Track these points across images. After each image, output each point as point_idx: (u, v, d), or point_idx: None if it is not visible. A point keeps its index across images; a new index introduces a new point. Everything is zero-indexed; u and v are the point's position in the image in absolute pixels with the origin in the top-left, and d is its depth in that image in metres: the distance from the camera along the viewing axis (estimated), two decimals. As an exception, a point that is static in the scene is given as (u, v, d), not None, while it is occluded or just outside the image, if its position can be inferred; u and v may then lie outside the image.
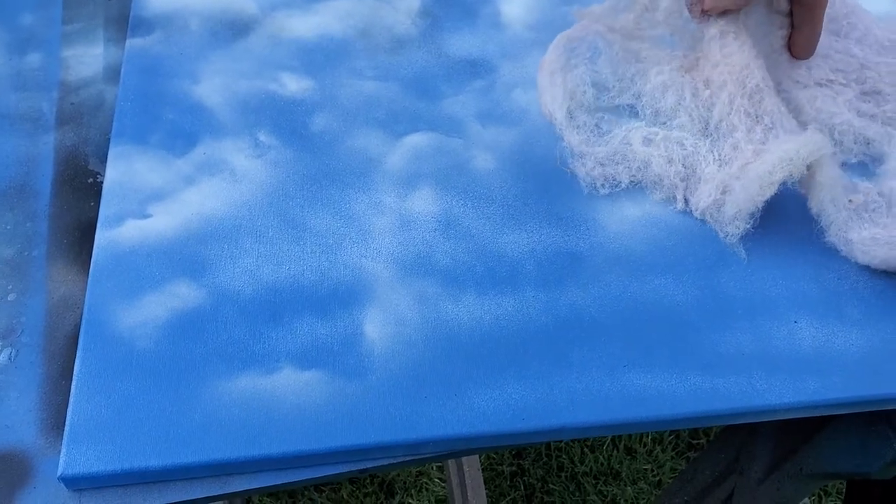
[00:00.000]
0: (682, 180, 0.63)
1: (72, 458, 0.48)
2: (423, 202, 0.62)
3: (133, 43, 0.71)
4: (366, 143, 0.66)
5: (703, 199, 0.61)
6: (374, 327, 0.55)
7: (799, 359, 0.55)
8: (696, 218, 0.62)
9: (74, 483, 0.48)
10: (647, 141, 0.64)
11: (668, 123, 0.65)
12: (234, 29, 0.73)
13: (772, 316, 0.57)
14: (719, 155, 0.62)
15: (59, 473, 0.48)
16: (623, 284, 0.59)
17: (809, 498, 1.44)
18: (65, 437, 0.49)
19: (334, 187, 0.63)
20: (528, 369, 0.54)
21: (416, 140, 0.66)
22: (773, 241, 0.62)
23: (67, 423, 0.49)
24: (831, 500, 1.44)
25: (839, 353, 0.56)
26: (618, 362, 0.54)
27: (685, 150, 0.63)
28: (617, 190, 0.64)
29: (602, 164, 0.64)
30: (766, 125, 0.60)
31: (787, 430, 0.73)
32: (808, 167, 0.58)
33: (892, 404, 0.55)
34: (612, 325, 0.56)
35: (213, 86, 0.68)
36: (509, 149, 0.67)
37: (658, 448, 1.48)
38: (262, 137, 0.65)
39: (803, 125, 0.63)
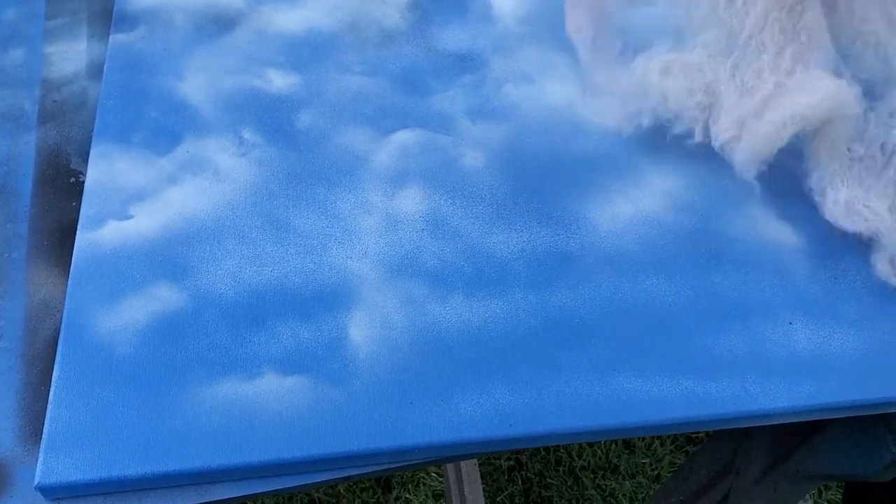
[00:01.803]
0: (702, 111, 0.61)
1: (49, 466, 0.47)
2: (411, 201, 0.61)
3: (116, 39, 0.70)
4: (353, 140, 0.65)
5: (721, 132, 0.60)
6: (360, 331, 0.54)
7: (794, 362, 0.54)
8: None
9: (52, 492, 0.47)
10: (666, 71, 0.61)
11: (693, 41, 0.61)
12: (220, 23, 0.72)
13: (766, 317, 0.56)
14: (742, 81, 0.59)
15: (35, 483, 0.47)
16: (614, 285, 0.57)
17: (809, 493, 1.43)
18: (42, 446, 0.48)
19: (320, 186, 0.62)
20: (517, 373, 0.53)
21: (404, 137, 0.65)
22: (768, 239, 0.60)
23: (45, 430, 0.48)
24: (831, 493, 1.43)
25: (835, 356, 0.55)
26: (608, 366, 0.53)
27: (706, 77, 0.60)
28: (640, 131, 0.63)
29: (624, 103, 0.62)
30: (801, 43, 0.57)
31: (784, 431, 0.71)
32: (821, 122, 0.56)
33: (889, 408, 0.54)
34: (602, 328, 0.55)
35: (197, 82, 0.67)
36: (499, 146, 0.65)
37: (657, 442, 1.47)
38: (247, 135, 0.64)
39: (834, 31, 0.59)
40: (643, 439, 1.47)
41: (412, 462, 0.51)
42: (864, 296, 0.58)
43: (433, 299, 0.56)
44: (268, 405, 0.50)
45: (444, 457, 0.51)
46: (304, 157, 0.63)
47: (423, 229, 0.59)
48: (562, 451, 1.45)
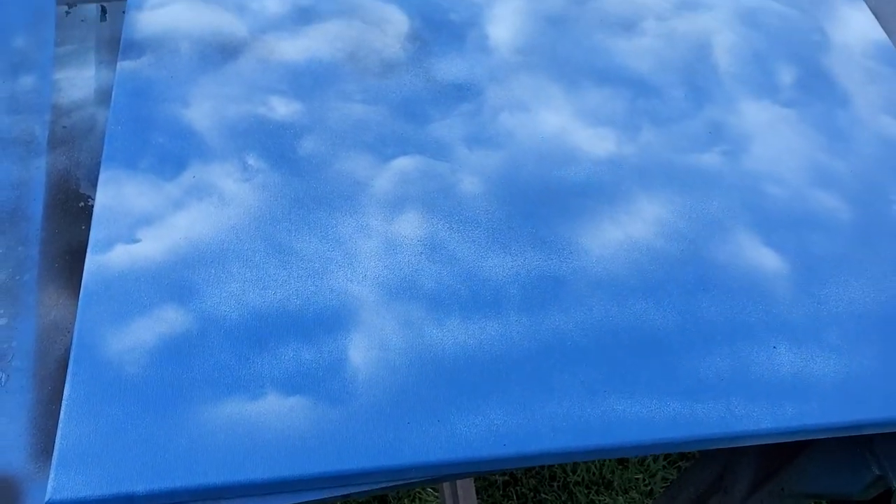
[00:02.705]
0: None
1: (60, 482, 0.49)
2: (410, 225, 0.63)
3: (124, 66, 0.72)
4: (353, 166, 0.67)
5: None
6: (359, 352, 0.56)
7: (778, 384, 0.56)
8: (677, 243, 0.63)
9: (62, 508, 0.49)
10: None
11: None
12: (225, 52, 0.74)
13: (751, 341, 0.58)
14: None
15: (46, 499, 0.48)
16: (605, 309, 0.59)
17: None
18: (53, 462, 0.50)
19: (322, 211, 0.64)
20: (511, 395, 0.54)
21: (404, 163, 0.67)
22: (753, 266, 0.63)
23: (56, 448, 0.50)
24: None
25: (818, 379, 0.57)
26: (599, 387, 0.55)
27: None
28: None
29: None
30: None
31: (770, 451, 0.73)
32: None
33: (870, 429, 0.56)
34: (593, 350, 0.57)
35: (202, 109, 0.69)
36: (495, 172, 0.68)
37: (650, 458, 1.49)
38: (251, 161, 0.66)
39: None
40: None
41: (409, 480, 0.53)
42: (845, 322, 0.60)
43: (430, 322, 0.58)
44: (270, 424, 0.52)
45: (441, 476, 0.53)
46: (306, 182, 0.65)
47: (422, 253, 0.62)
48: (556, 467, 1.47)
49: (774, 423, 0.54)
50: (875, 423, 0.55)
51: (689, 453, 1.52)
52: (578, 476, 1.45)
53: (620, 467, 1.48)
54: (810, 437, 0.56)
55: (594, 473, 1.47)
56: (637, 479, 1.47)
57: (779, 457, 0.73)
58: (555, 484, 1.45)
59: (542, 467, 1.46)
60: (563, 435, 0.53)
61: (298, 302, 0.58)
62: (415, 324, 0.58)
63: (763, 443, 0.55)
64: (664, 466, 1.49)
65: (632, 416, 0.54)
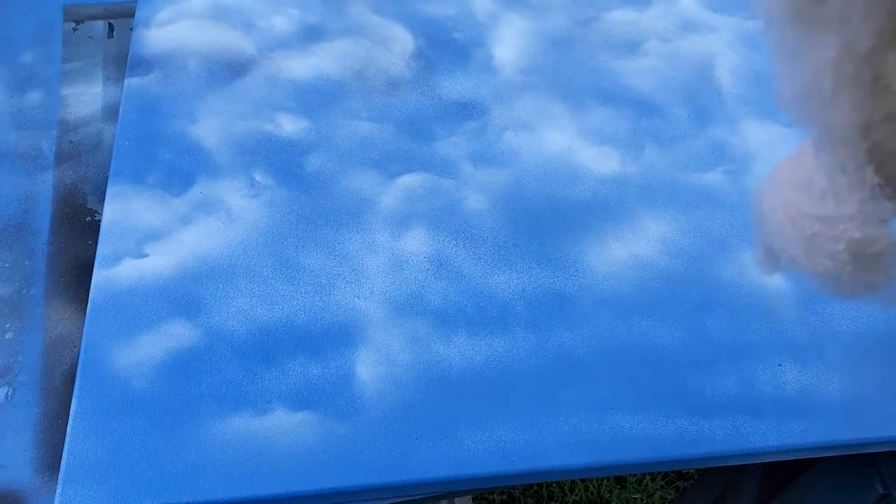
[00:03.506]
0: None
1: (67, 498, 0.49)
2: (416, 242, 0.64)
3: (131, 82, 0.73)
4: (360, 183, 0.67)
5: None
6: (366, 368, 0.56)
7: (783, 402, 0.56)
8: (682, 261, 0.64)
9: (69, 523, 0.49)
10: None
11: None
12: (232, 69, 0.75)
13: (756, 359, 0.59)
14: None
15: (53, 514, 0.48)
16: (610, 326, 0.60)
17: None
18: (60, 478, 0.49)
19: (328, 227, 0.64)
20: (517, 411, 0.55)
21: (410, 181, 0.68)
22: (757, 284, 0.63)
23: (63, 463, 0.50)
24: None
25: (822, 397, 0.57)
26: (605, 404, 0.55)
27: None
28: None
29: None
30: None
31: (773, 469, 0.73)
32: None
33: (874, 448, 0.56)
34: (599, 367, 0.57)
35: (210, 126, 0.70)
36: (500, 190, 0.68)
37: (647, 478, 1.48)
38: (258, 177, 0.67)
39: None
40: (634, 475, 1.49)
41: (416, 497, 0.53)
42: (849, 340, 0.60)
43: (437, 338, 0.58)
44: (278, 440, 0.52)
45: (448, 492, 0.53)
46: (313, 199, 0.65)
47: (428, 269, 0.62)
48: (554, 486, 1.46)
49: (780, 440, 0.55)
50: (881, 441, 0.55)
51: (687, 473, 1.51)
52: (577, 496, 1.45)
53: (618, 487, 1.47)
54: (816, 455, 0.56)
55: (592, 493, 1.46)
56: (635, 498, 1.46)
57: (782, 476, 0.73)
58: (553, 503, 1.45)
59: (541, 487, 1.46)
60: (570, 451, 0.53)
61: (306, 317, 0.58)
62: (422, 340, 0.58)
63: (769, 460, 0.56)
64: (662, 486, 1.49)
65: (638, 432, 0.54)
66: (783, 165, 0.47)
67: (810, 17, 0.35)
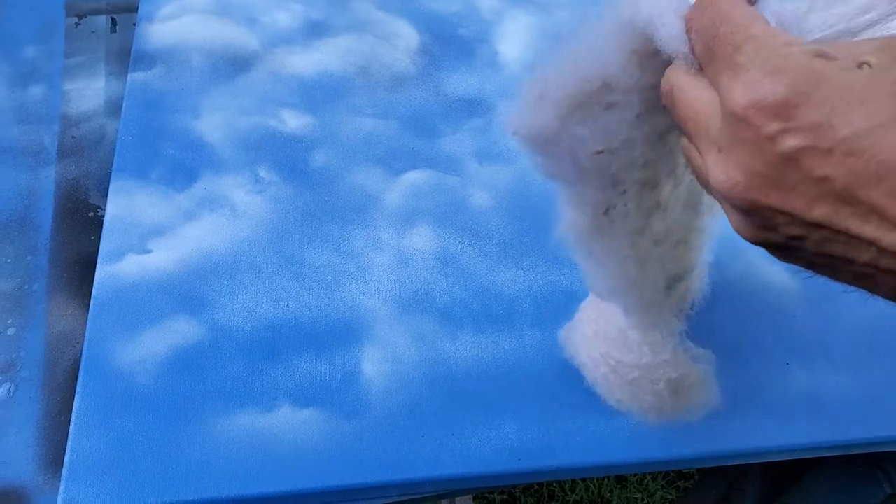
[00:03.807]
0: None
1: (70, 495, 0.48)
2: (422, 239, 0.63)
3: (135, 77, 0.72)
4: (365, 179, 0.67)
5: None
6: (372, 365, 0.56)
7: (790, 401, 0.56)
8: None
9: (72, 521, 0.48)
10: None
11: None
12: (236, 65, 0.74)
13: (764, 358, 0.58)
14: None
15: (56, 511, 0.48)
16: (618, 324, 0.59)
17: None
18: (63, 475, 0.49)
19: (333, 223, 0.64)
20: (525, 409, 0.54)
21: (415, 177, 0.67)
22: (764, 282, 0.63)
23: (66, 460, 0.49)
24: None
25: (830, 396, 0.57)
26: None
27: None
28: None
29: None
30: None
31: (777, 469, 0.73)
32: None
33: (881, 447, 0.56)
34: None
35: (214, 121, 0.69)
36: (506, 187, 0.68)
37: (648, 478, 1.48)
38: (263, 173, 0.66)
39: None
40: (635, 474, 1.48)
41: (422, 495, 0.53)
42: (857, 337, 0.60)
43: (443, 335, 0.58)
44: (283, 437, 0.52)
45: (454, 490, 0.53)
46: (318, 195, 0.65)
47: (434, 267, 0.61)
48: (555, 485, 1.46)
49: (788, 439, 0.54)
50: (892, 440, 0.55)
51: (688, 474, 1.51)
52: (577, 495, 1.45)
53: (619, 486, 1.47)
54: (824, 455, 0.56)
55: (593, 493, 1.46)
56: (636, 498, 1.46)
57: (786, 476, 0.72)
58: (553, 503, 1.44)
59: (541, 486, 1.45)
60: (578, 450, 0.53)
61: (311, 314, 0.58)
62: (428, 337, 0.57)
63: (776, 459, 0.55)
64: (663, 486, 1.48)
65: (646, 431, 0.54)
66: (586, 315, 0.53)
67: (605, 228, 0.41)
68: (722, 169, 0.30)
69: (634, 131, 0.38)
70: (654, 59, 0.35)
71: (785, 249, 0.31)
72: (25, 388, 0.55)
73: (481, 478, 0.52)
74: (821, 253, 0.30)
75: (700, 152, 0.32)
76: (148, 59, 0.74)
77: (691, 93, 0.32)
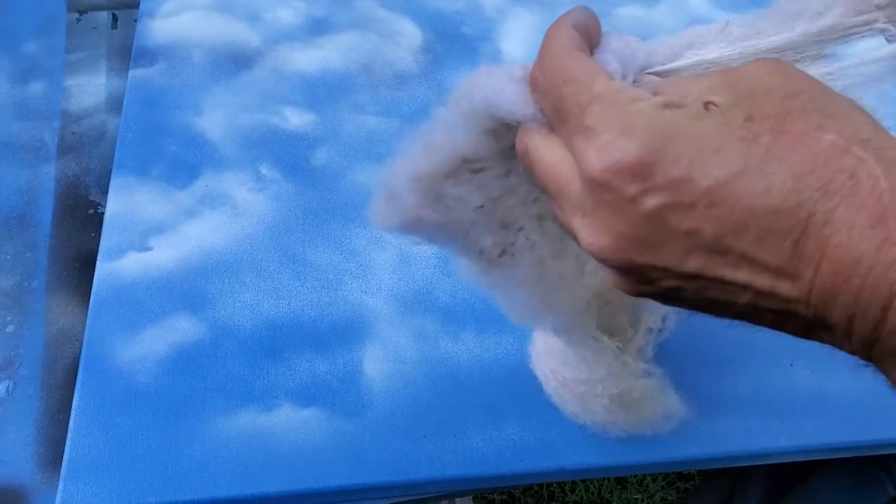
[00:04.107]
0: None
1: (68, 494, 0.48)
2: (423, 238, 0.63)
3: (136, 73, 0.72)
4: (367, 177, 0.66)
5: None
6: (374, 364, 0.55)
7: (794, 402, 0.56)
8: None
9: (71, 520, 0.48)
10: None
11: None
12: (238, 61, 0.74)
13: (768, 359, 0.58)
14: None
15: (55, 510, 0.47)
16: (621, 324, 0.59)
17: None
18: (62, 473, 0.49)
19: (335, 222, 0.63)
20: (527, 410, 0.54)
21: (417, 176, 0.67)
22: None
23: (65, 458, 0.49)
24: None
25: (834, 397, 0.56)
26: (616, 403, 0.55)
27: None
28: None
29: None
30: None
31: (781, 471, 0.73)
32: None
33: (886, 449, 0.56)
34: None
35: (215, 118, 0.69)
36: (509, 186, 0.67)
37: (648, 478, 1.48)
38: (264, 171, 0.66)
39: None
40: (635, 475, 1.48)
41: (424, 495, 0.52)
42: (861, 339, 0.60)
43: (445, 335, 0.57)
44: (284, 436, 0.51)
45: (457, 491, 0.52)
46: (320, 193, 0.65)
47: (436, 265, 0.61)
48: (555, 486, 1.46)
49: (792, 440, 0.54)
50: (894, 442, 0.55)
51: (688, 475, 1.51)
52: (577, 496, 1.44)
53: (619, 487, 1.47)
54: (828, 456, 0.55)
55: (593, 493, 1.45)
56: (636, 499, 1.46)
57: (790, 479, 0.72)
58: (553, 503, 1.44)
59: (541, 487, 1.45)
60: (580, 451, 0.52)
61: (313, 313, 0.57)
62: (430, 336, 0.57)
63: (780, 461, 0.55)
64: (663, 487, 1.48)
65: (649, 432, 0.53)
66: (539, 335, 0.53)
67: (506, 266, 0.40)
68: (589, 232, 0.29)
69: (511, 181, 0.37)
70: (507, 130, 0.34)
71: (667, 298, 0.31)
72: (24, 386, 0.54)
73: (483, 478, 0.51)
74: (701, 299, 0.30)
75: (565, 215, 0.31)
76: (149, 56, 0.74)
77: (547, 154, 0.31)
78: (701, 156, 0.26)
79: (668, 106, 0.28)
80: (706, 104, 0.28)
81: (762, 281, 0.27)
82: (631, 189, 0.27)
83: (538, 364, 0.53)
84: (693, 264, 0.28)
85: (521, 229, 0.40)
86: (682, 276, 0.29)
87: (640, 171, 0.27)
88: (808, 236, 0.26)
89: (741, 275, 0.27)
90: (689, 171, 0.26)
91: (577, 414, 0.51)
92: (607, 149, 0.28)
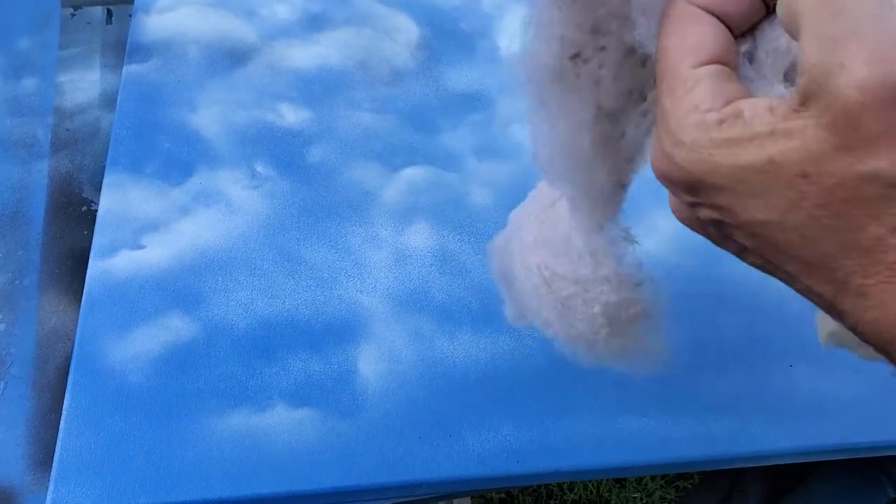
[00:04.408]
0: None
1: (59, 495, 0.47)
2: (419, 236, 0.62)
3: (130, 69, 0.71)
4: (362, 175, 0.66)
5: None
6: (369, 364, 0.55)
7: (794, 403, 0.55)
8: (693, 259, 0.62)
9: (61, 521, 0.47)
10: None
11: None
12: (233, 57, 0.73)
13: (767, 359, 0.57)
14: None
15: (45, 512, 0.47)
16: (619, 324, 0.58)
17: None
18: (53, 474, 0.48)
19: (330, 220, 0.62)
20: (524, 411, 0.53)
21: (413, 173, 0.66)
22: (768, 283, 0.62)
23: (56, 459, 0.48)
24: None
25: (834, 398, 0.56)
26: (613, 404, 0.54)
27: None
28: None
29: None
30: None
31: (779, 471, 0.72)
32: None
33: (886, 451, 0.55)
34: (607, 367, 0.56)
35: (210, 115, 0.68)
36: (506, 184, 0.67)
37: (647, 477, 1.47)
38: (259, 168, 0.65)
39: None
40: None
41: (419, 497, 0.52)
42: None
43: (441, 334, 0.57)
44: (278, 437, 0.51)
45: (452, 492, 0.52)
46: (315, 191, 0.64)
47: (432, 264, 0.60)
48: (553, 485, 1.45)
49: (792, 441, 0.53)
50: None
51: (687, 474, 1.50)
52: (576, 495, 1.44)
53: (618, 486, 1.46)
54: (829, 458, 0.55)
55: (592, 492, 1.45)
56: (635, 497, 1.45)
57: (789, 480, 0.71)
58: (552, 502, 1.43)
59: (539, 486, 1.45)
60: (577, 452, 0.52)
61: (307, 312, 0.57)
62: (425, 336, 0.56)
63: (779, 462, 0.54)
64: (662, 486, 1.48)
65: (647, 433, 0.53)
66: (527, 221, 0.46)
67: (568, 77, 0.35)
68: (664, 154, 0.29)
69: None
70: None
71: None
72: (15, 386, 0.54)
73: (479, 480, 0.51)
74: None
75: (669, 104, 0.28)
76: (144, 52, 0.73)
77: (674, 41, 0.28)
78: (741, 199, 0.26)
79: (722, 123, 0.26)
80: (788, 131, 0.25)
81: (820, 289, 0.27)
82: (685, 197, 0.29)
83: (518, 257, 0.46)
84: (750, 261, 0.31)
85: (602, 48, 0.34)
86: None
87: (689, 188, 0.28)
88: (847, 294, 0.25)
89: (798, 285, 0.28)
90: (731, 203, 0.27)
91: (551, 323, 0.45)
92: (659, 156, 0.29)
